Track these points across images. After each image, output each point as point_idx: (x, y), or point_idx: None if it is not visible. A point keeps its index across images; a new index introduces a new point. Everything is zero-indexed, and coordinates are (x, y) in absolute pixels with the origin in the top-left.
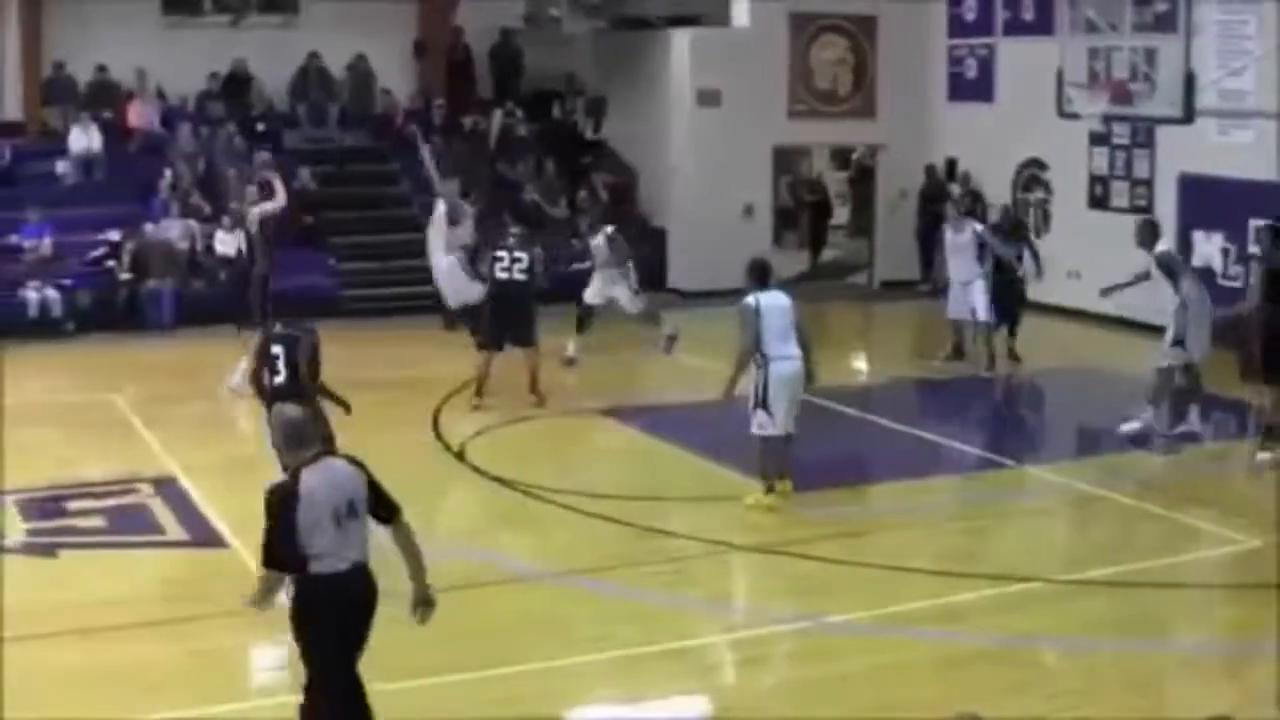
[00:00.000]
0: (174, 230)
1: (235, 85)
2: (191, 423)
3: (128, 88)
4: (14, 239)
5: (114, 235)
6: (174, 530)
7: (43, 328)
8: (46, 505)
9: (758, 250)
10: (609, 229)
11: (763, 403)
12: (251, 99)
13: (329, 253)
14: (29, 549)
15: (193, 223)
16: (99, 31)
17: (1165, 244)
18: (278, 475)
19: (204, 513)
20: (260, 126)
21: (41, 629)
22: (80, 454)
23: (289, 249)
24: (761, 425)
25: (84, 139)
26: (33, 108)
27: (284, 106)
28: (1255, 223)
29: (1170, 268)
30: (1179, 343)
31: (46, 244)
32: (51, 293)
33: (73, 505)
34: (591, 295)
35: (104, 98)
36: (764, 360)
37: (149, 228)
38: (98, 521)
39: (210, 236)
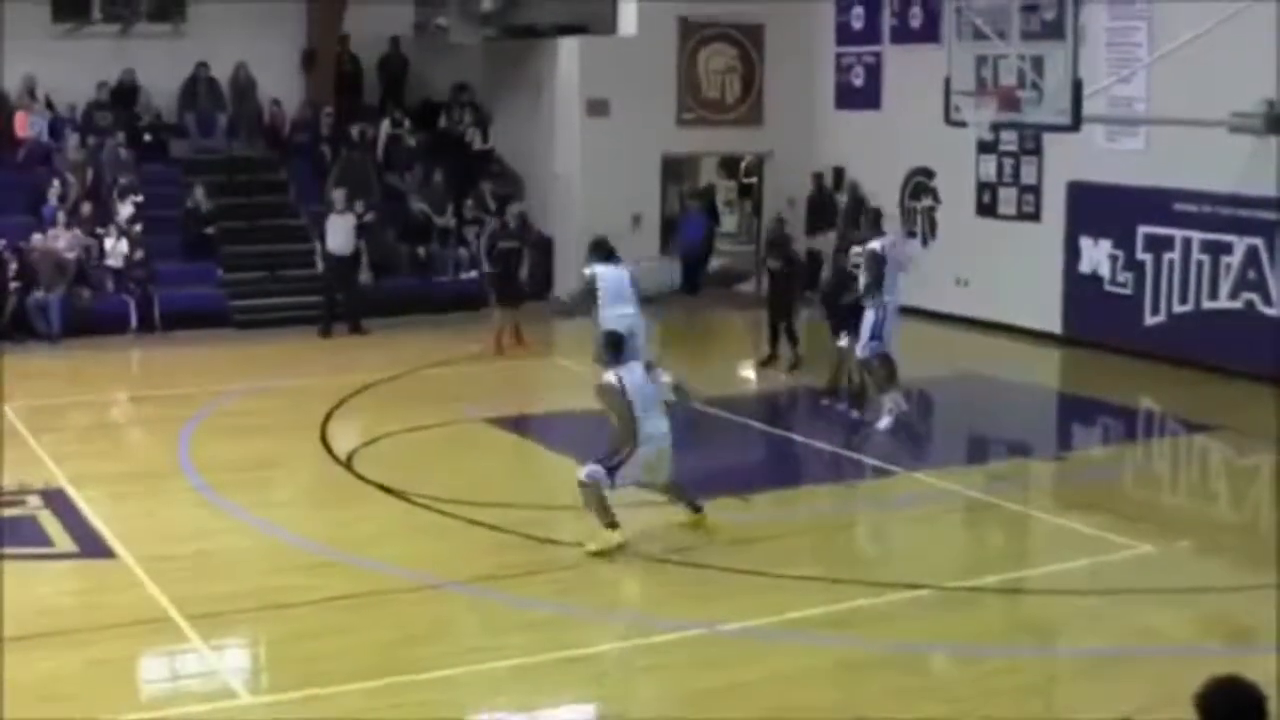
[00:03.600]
0: (62, 240)
1: (124, 95)
2: (80, 433)
3: (15, 97)
4: None
5: (2, 245)
6: (63, 541)
7: None
8: None
9: (648, 259)
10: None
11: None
12: (140, 109)
13: (217, 263)
14: None
15: (79, 233)
16: None
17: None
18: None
19: (93, 524)
20: (148, 137)
21: None
22: None
23: (180, 261)
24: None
25: None
26: None
27: (172, 116)
28: (1143, 229)
29: (877, 265)
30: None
31: None
32: None
33: None
34: None
35: None
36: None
37: (37, 238)
38: None
39: (98, 246)
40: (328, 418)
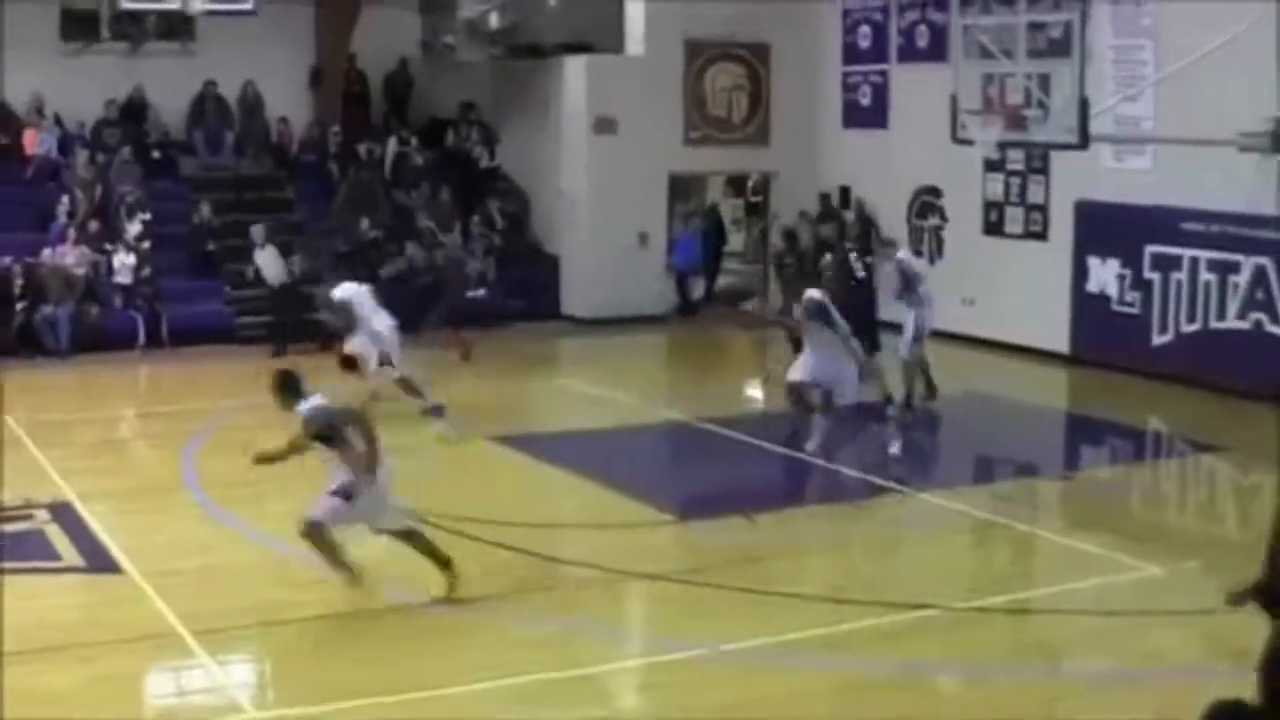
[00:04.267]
0: (70, 256)
1: (132, 112)
2: (88, 448)
3: (24, 114)
4: None
5: (9, 261)
6: (70, 556)
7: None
8: None
9: (655, 278)
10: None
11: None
12: (149, 126)
13: (224, 280)
14: None
15: (88, 249)
16: None
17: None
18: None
19: (100, 538)
20: (156, 154)
21: None
22: None
23: (187, 277)
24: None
25: None
26: None
27: (181, 134)
28: (1151, 248)
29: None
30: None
31: None
32: None
33: None
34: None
35: (0, 124)
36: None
37: (46, 253)
38: None
39: (106, 263)
40: None
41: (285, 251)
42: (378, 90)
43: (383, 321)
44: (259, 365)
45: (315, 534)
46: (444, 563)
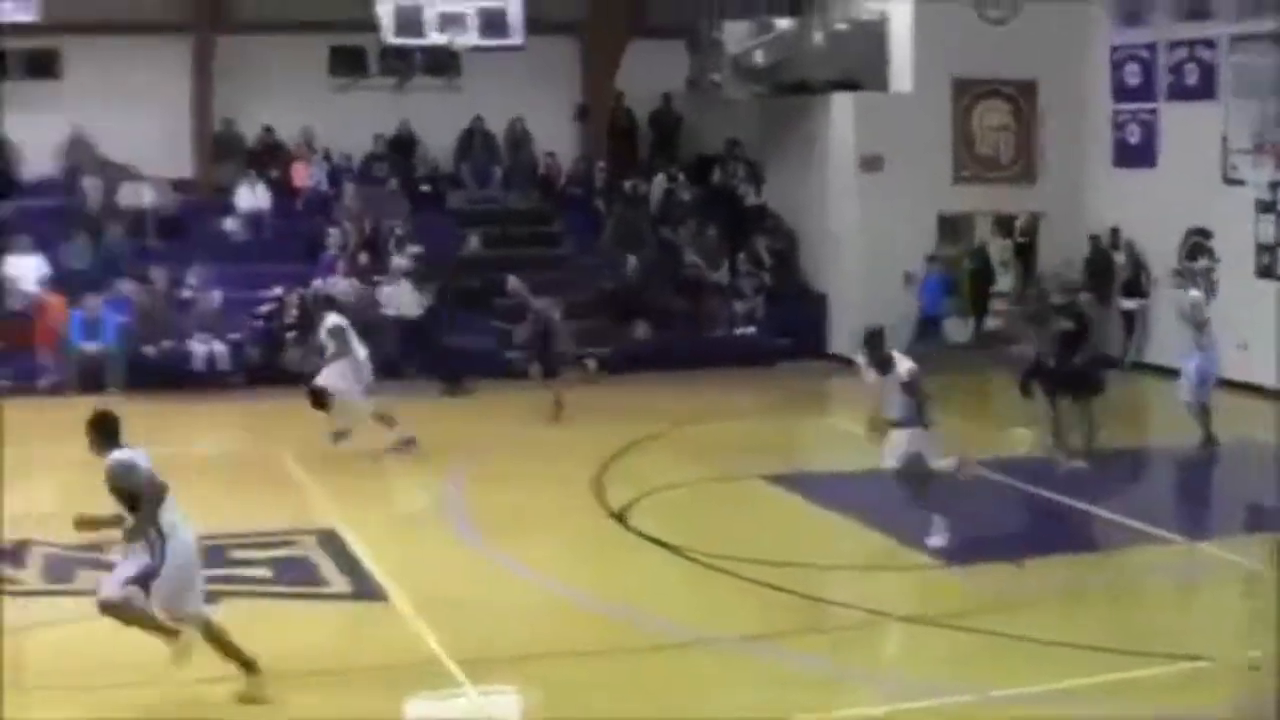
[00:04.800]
0: (340, 288)
1: (401, 146)
2: (355, 476)
3: (294, 147)
4: (184, 293)
5: (280, 291)
6: (336, 582)
7: (210, 381)
8: (213, 553)
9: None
10: (331, 321)
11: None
12: (416, 160)
13: (492, 314)
14: None
15: (356, 281)
16: (267, 91)
17: None
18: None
19: (365, 566)
20: (425, 187)
21: (205, 673)
22: (246, 505)
23: (454, 310)
24: None
25: (252, 197)
26: (203, 165)
27: (449, 168)
28: None
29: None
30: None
31: (215, 298)
32: (219, 346)
33: (238, 554)
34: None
35: (271, 156)
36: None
37: (317, 284)
38: (262, 571)
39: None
40: (602, 468)
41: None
42: (644, 126)
43: (362, 352)
44: (523, 398)
45: (116, 612)
46: (247, 664)
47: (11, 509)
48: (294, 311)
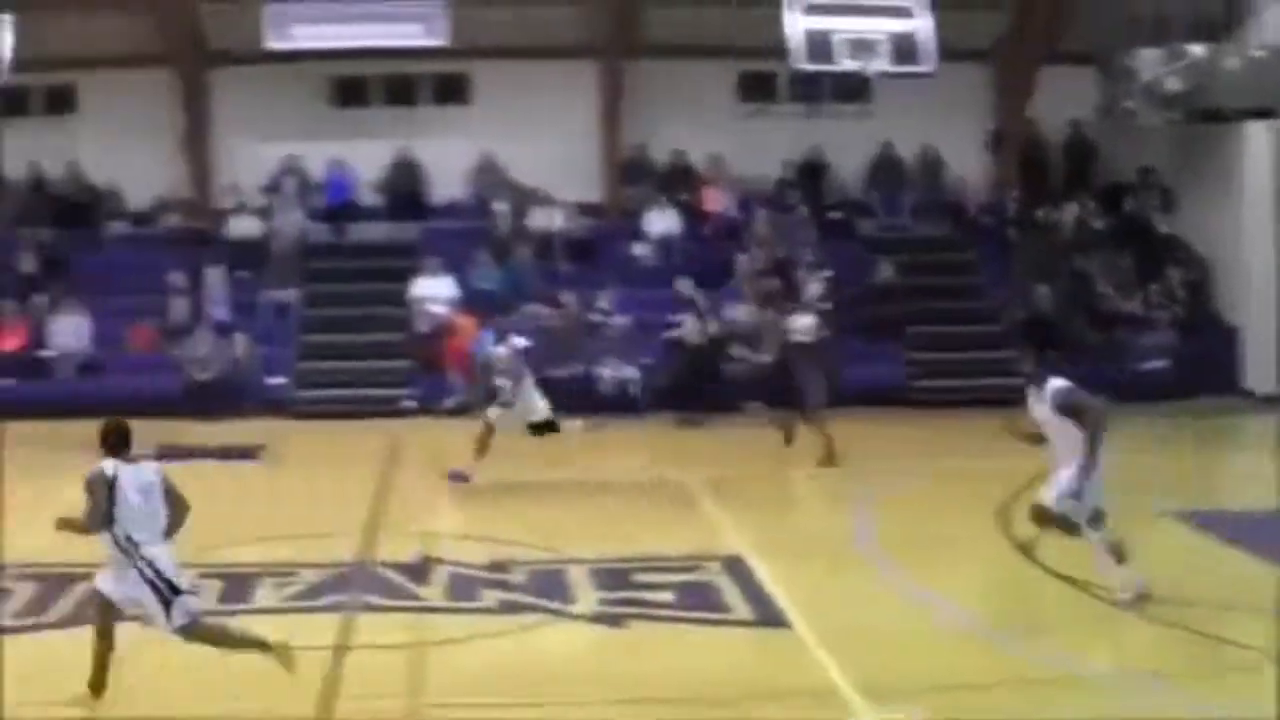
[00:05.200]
0: (748, 314)
1: (810, 173)
2: (762, 502)
3: (704, 172)
4: (593, 317)
5: (689, 317)
6: (739, 609)
7: (616, 405)
8: (617, 576)
9: None
10: (515, 340)
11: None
12: (826, 187)
13: (901, 343)
14: (598, 617)
15: (759, 308)
16: (676, 116)
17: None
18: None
19: (770, 593)
20: (834, 214)
21: (602, 695)
22: (650, 529)
23: (861, 338)
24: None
25: (662, 221)
26: (612, 189)
27: (858, 195)
28: None
29: None
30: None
31: (623, 323)
32: (628, 370)
33: (642, 578)
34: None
35: (681, 181)
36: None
37: (726, 311)
38: (666, 595)
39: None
40: (1012, 497)
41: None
42: (1056, 153)
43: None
44: (933, 429)
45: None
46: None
47: (422, 527)
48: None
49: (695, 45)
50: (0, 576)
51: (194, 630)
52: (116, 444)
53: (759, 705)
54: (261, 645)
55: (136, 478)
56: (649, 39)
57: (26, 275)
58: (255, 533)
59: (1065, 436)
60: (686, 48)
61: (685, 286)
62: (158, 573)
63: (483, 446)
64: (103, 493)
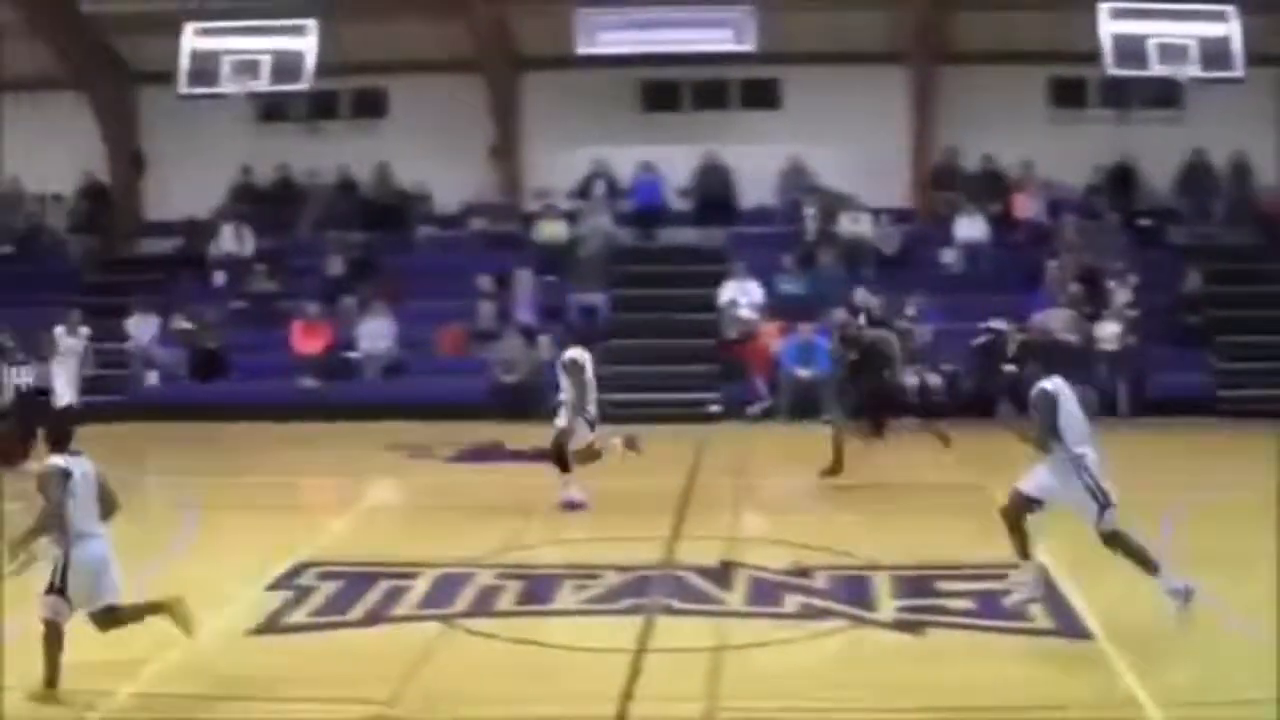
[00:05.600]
0: (1057, 322)
1: (1121, 179)
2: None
3: (1014, 178)
4: (899, 323)
5: (997, 324)
6: (1041, 619)
7: (923, 410)
8: (918, 583)
9: None
10: (568, 355)
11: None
12: (1136, 194)
13: (1210, 351)
14: (898, 624)
15: (1075, 314)
16: (986, 121)
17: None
18: None
19: (1072, 603)
20: (1144, 221)
21: (899, 703)
22: (951, 535)
23: (1169, 347)
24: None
25: (970, 227)
26: (921, 195)
27: (1169, 202)
28: None
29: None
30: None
31: (928, 329)
32: (933, 378)
33: (943, 586)
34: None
35: (990, 187)
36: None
37: (1036, 317)
38: (967, 604)
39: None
40: None
41: None
42: None
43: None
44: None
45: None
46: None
47: (719, 532)
48: (1011, 346)
49: (1005, 51)
50: (301, 575)
51: (109, 618)
52: (63, 440)
53: (1058, 716)
54: (156, 608)
55: (83, 472)
56: (958, 44)
57: (334, 277)
58: (557, 534)
59: None
60: (996, 53)
61: (861, 296)
62: (65, 568)
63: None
64: (61, 488)
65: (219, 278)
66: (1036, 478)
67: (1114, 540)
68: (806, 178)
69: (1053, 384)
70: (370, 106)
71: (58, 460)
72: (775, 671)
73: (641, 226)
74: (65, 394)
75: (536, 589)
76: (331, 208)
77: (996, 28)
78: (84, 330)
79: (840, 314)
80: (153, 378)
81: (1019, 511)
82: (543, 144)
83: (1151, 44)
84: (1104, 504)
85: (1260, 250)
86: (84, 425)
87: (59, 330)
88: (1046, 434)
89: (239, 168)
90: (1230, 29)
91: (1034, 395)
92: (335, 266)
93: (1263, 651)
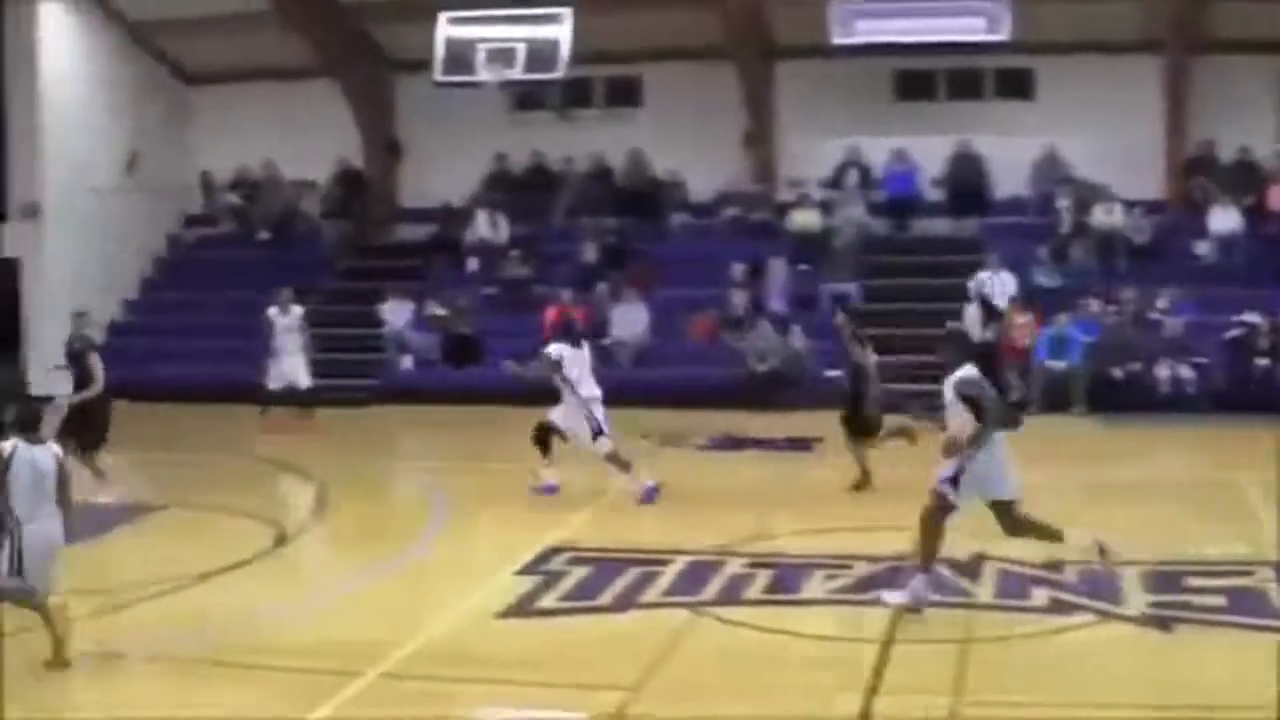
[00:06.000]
0: None
1: None
2: None
3: (1269, 169)
4: (1151, 315)
5: (1252, 317)
6: None
7: (1174, 405)
8: (1168, 579)
9: None
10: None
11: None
12: None
13: None
14: (1146, 619)
15: None
16: (1240, 112)
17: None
18: None
19: None
20: None
21: (1145, 699)
22: (1205, 532)
23: None
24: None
25: (1224, 219)
26: (1176, 186)
27: None
28: None
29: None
30: None
31: (1179, 322)
32: (1185, 371)
33: (1193, 582)
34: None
35: (1245, 179)
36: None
37: None
38: (1217, 600)
39: None
40: None
41: None
42: None
43: (591, 389)
44: None
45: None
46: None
47: (970, 525)
48: (1265, 339)
49: (1261, 40)
50: (551, 560)
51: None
52: (27, 425)
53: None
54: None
55: (32, 458)
56: (1214, 33)
57: (588, 264)
58: (807, 524)
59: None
60: (1252, 42)
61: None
62: (19, 551)
63: None
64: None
65: (473, 264)
66: None
67: None
68: (1060, 168)
69: None
70: (625, 95)
71: (4, 444)
72: (1020, 665)
73: (894, 217)
74: (299, 376)
75: (786, 578)
76: (585, 194)
77: (1253, 16)
78: (296, 309)
79: (1095, 304)
80: (407, 362)
81: None
82: (796, 133)
83: None
84: None
85: None
86: (327, 408)
87: (272, 311)
88: None
89: (493, 155)
90: None
91: None
92: (589, 253)
93: None
